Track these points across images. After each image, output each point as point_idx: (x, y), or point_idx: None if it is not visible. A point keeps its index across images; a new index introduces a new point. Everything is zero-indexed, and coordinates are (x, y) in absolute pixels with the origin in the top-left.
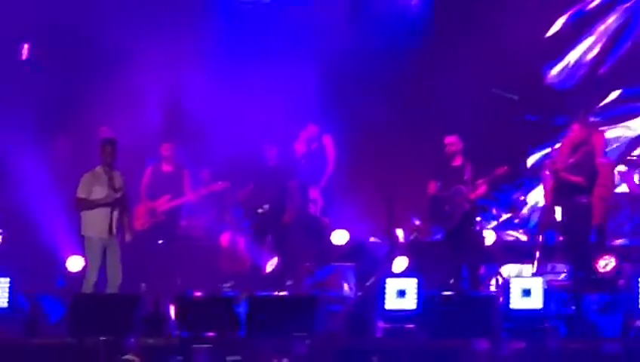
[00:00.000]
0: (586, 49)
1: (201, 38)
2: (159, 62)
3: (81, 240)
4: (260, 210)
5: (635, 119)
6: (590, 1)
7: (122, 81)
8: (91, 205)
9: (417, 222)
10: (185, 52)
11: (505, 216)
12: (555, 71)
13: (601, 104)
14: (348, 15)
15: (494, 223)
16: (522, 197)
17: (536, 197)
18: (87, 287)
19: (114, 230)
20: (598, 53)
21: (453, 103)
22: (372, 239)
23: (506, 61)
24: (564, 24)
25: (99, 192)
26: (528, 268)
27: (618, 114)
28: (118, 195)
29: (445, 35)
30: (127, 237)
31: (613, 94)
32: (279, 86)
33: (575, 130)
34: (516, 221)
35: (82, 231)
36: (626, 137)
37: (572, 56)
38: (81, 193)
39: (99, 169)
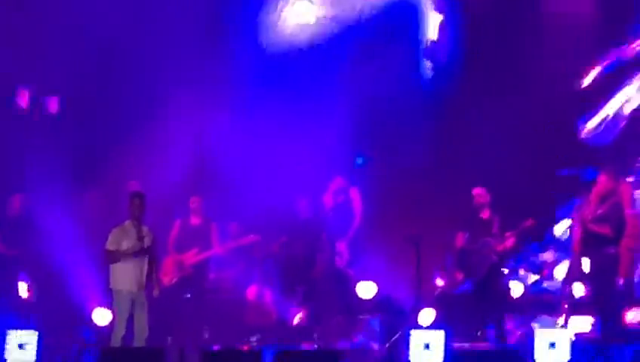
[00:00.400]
0: (623, 101)
1: (229, 88)
2: (187, 114)
3: (108, 293)
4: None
5: None
6: (627, 50)
7: (150, 134)
8: (120, 256)
9: (440, 282)
10: (213, 104)
11: (533, 278)
12: (590, 125)
13: None
14: (376, 61)
15: (522, 286)
16: (551, 259)
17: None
18: (116, 341)
19: (143, 284)
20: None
21: (482, 155)
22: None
23: (539, 113)
24: (599, 74)
25: (127, 246)
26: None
27: None
28: (145, 245)
29: (475, 82)
30: (155, 293)
31: None
32: (307, 137)
33: (602, 181)
34: (545, 285)
35: (111, 284)
36: None
37: (609, 109)
38: (110, 247)
39: (128, 223)
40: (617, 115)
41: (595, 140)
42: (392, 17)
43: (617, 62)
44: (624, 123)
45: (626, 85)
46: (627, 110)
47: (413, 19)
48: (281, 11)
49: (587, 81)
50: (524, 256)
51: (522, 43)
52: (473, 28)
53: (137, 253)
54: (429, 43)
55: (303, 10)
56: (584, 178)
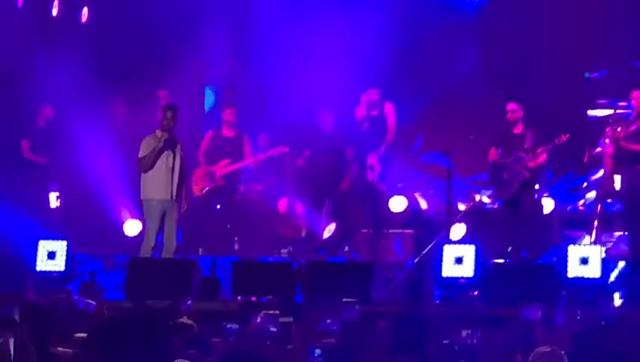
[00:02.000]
0: None
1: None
2: (218, 27)
3: (139, 204)
4: None
5: None
6: None
7: (180, 46)
8: (152, 158)
9: (477, 197)
10: (244, 16)
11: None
12: None
13: None
14: None
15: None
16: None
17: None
18: (145, 252)
19: (174, 194)
20: None
21: (515, 69)
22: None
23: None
24: None
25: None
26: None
27: None
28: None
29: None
30: (183, 207)
31: None
32: (339, 50)
33: (636, 98)
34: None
35: (142, 195)
36: None
37: None
38: (143, 154)
39: (159, 132)
40: None
41: None
42: None
43: None
44: None
45: None
46: None
47: None
48: None
49: None
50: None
51: None
52: None
53: (166, 146)
54: None
55: None
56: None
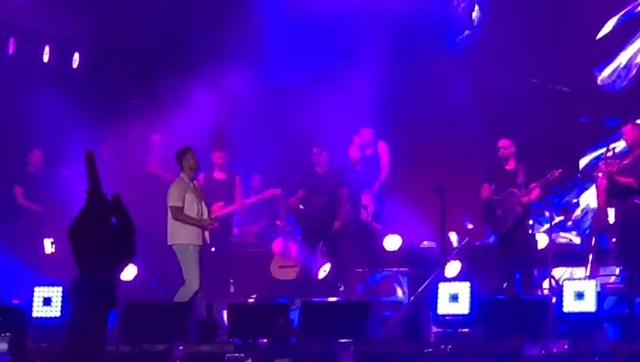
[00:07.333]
0: (636, 50)
1: (250, 40)
2: (208, 68)
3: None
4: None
5: None
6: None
7: (171, 89)
8: (190, 221)
9: (470, 226)
10: (234, 56)
11: (558, 219)
12: (606, 73)
13: None
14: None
15: (547, 226)
16: (575, 200)
17: (589, 199)
18: (186, 295)
19: (206, 239)
20: None
21: (506, 106)
22: (425, 244)
23: (558, 62)
24: (615, 26)
25: (190, 200)
26: (580, 271)
27: None
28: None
29: (498, 34)
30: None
31: None
32: (331, 91)
33: (628, 132)
34: (569, 224)
35: (176, 239)
36: None
37: (622, 58)
38: (178, 203)
39: (185, 178)
40: (630, 63)
41: (610, 87)
42: None
43: (631, 14)
44: (636, 71)
45: (638, 36)
46: (638, 60)
47: None
48: None
49: (604, 31)
50: (548, 198)
51: None
52: None
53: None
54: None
55: None
56: (607, 124)
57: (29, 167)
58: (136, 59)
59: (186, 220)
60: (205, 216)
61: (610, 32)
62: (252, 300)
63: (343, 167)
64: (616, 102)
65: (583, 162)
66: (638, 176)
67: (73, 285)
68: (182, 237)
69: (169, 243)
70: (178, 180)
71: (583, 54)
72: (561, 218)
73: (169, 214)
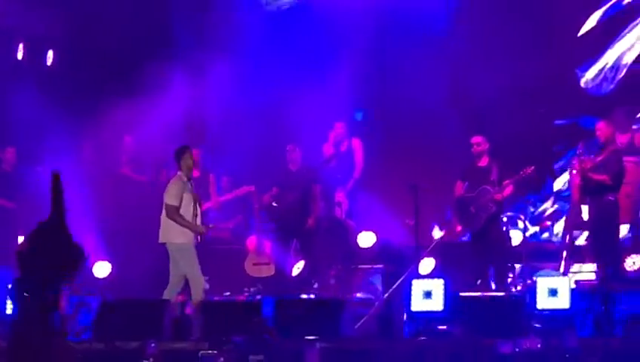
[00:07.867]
0: (625, 49)
1: (224, 40)
2: (181, 66)
3: (108, 246)
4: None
5: None
6: None
7: (146, 86)
8: (184, 224)
9: (438, 233)
10: (207, 54)
11: (533, 230)
12: (590, 74)
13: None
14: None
15: (521, 235)
16: (548, 223)
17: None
18: (201, 293)
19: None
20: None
21: (480, 103)
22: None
23: (538, 61)
24: (599, 20)
25: (187, 201)
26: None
27: None
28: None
29: (476, 32)
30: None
31: None
32: (305, 87)
33: (601, 129)
34: (544, 236)
35: (174, 239)
36: None
37: (609, 57)
38: (175, 202)
39: (183, 176)
40: (618, 63)
41: (594, 91)
42: None
43: (617, 7)
44: (623, 73)
45: (626, 33)
46: (627, 59)
47: None
48: None
49: (586, 28)
50: (522, 208)
51: None
52: None
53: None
54: None
55: None
56: (582, 126)
57: (3, 165)
58: (110, 57)
59: (182, 222)
60: (199, 217)
61: (594, 27)
62: (225, 297)
63: (317, 164)
64: (598, 103)
65: (557, 184)
66: (611, 173)
67: (14, 283)
68: (180, 236)
69: (161, 241)
70: (177, 179)
71: (563, 52)
72: (537, 228)
73: (163, 211)
